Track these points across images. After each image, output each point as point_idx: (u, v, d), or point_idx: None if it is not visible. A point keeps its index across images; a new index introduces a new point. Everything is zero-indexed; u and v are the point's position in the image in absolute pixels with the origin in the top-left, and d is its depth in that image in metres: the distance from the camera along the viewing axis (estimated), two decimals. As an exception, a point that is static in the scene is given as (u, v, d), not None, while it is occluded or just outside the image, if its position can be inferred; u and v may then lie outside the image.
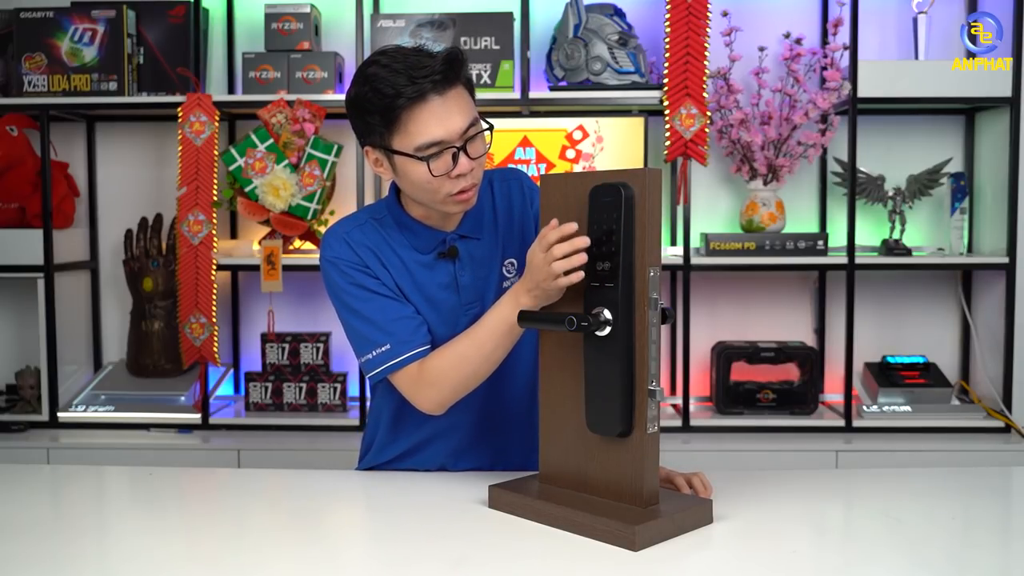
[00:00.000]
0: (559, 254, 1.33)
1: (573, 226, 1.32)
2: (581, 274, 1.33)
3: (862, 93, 2.75)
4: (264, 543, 1.32)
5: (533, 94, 2.82)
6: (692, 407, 2.87)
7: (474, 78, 1.54)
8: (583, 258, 1.31)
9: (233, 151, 2.78)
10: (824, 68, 2.80)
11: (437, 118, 1.42)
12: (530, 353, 1.66)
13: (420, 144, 1.42)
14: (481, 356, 1.47)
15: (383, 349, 1.50)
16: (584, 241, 1.31)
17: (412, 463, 1.66)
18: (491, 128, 1.49)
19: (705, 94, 2.70)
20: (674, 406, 2.94)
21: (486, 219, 1.60)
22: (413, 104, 1.41)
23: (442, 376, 1.48)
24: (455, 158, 1.43)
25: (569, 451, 1.39)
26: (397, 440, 1.66)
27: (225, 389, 3.12)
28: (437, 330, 1.57)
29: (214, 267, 2.80)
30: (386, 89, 1.40)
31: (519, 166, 2.86)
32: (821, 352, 3.04)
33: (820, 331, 3.05)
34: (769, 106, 2.84)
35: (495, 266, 1.59)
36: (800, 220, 3.04)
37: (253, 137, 2.77)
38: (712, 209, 3.07)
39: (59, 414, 2.90)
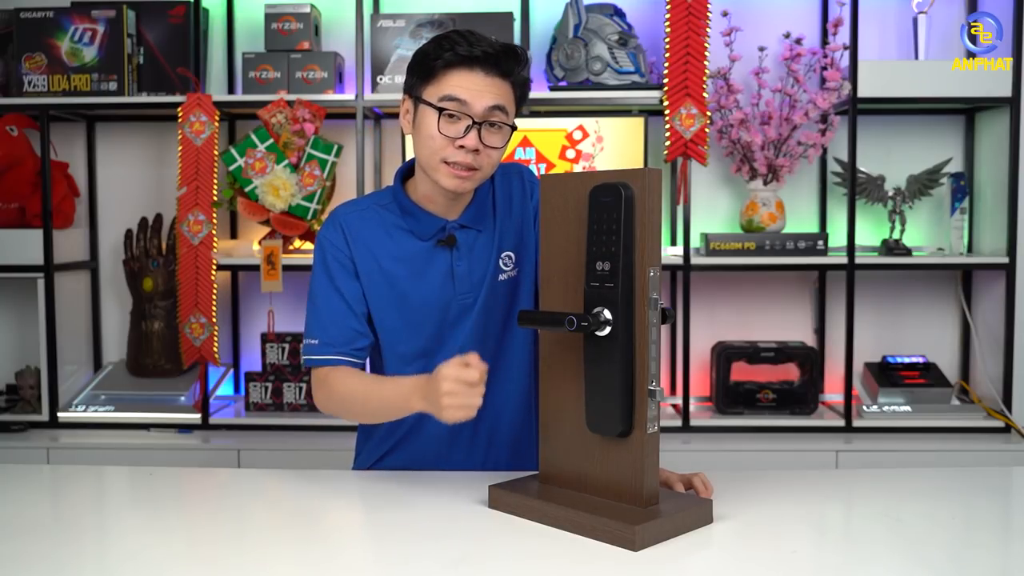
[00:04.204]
0: (445, 389, 1.34)
1: (476, 373, 1.34)
2: (471, 413, 1.34)
3: (862, 93, 2.75)
4: (264, 543, 1.32)
5: (533, 94, 2.79)
6: (692, 407, 2.87)
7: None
8: (472, 399, 1.34)
9: (233, 151, 2.78)
10: (824, 68, 2.80)
11: (470, 84, 1.49)
12: (528, 353, 1.66)
13: (443, 95, 1.49)
14: (365, 408, 1.55)
15: (313, 342, 1.59)
16: (472, 375, 1.33)
17: (405, 455, 1.67)
18: (513, 128, 1.54)
19: (705, 94, 2.70)
20: (674, 406, 2.94)
21: (487, 212, 1.62)
22: (457, 64, 1.49)
23: (332, 396, 1.57)
24: (467, 129, 1.49)
25: (569, 451, 1.38)
26: (383, 428, 1.67)
27: (225, 389, 3.12)
28: (428, 318, 1.59)
29: (214, 267, 2.80)
30: (444, 43, 1.50)
31: (519, 166, 2.86)
32: (821, 352, 3.04)
33: (820, 331, 3.05)
34: (769, 106, 2.84)
35: (492, 258, 1.61)
36: (800, 220, 3.05)
37: (253, 137, 2.77)
38: (712, 209, 3.07)
39: (59, 414, 2.90)
